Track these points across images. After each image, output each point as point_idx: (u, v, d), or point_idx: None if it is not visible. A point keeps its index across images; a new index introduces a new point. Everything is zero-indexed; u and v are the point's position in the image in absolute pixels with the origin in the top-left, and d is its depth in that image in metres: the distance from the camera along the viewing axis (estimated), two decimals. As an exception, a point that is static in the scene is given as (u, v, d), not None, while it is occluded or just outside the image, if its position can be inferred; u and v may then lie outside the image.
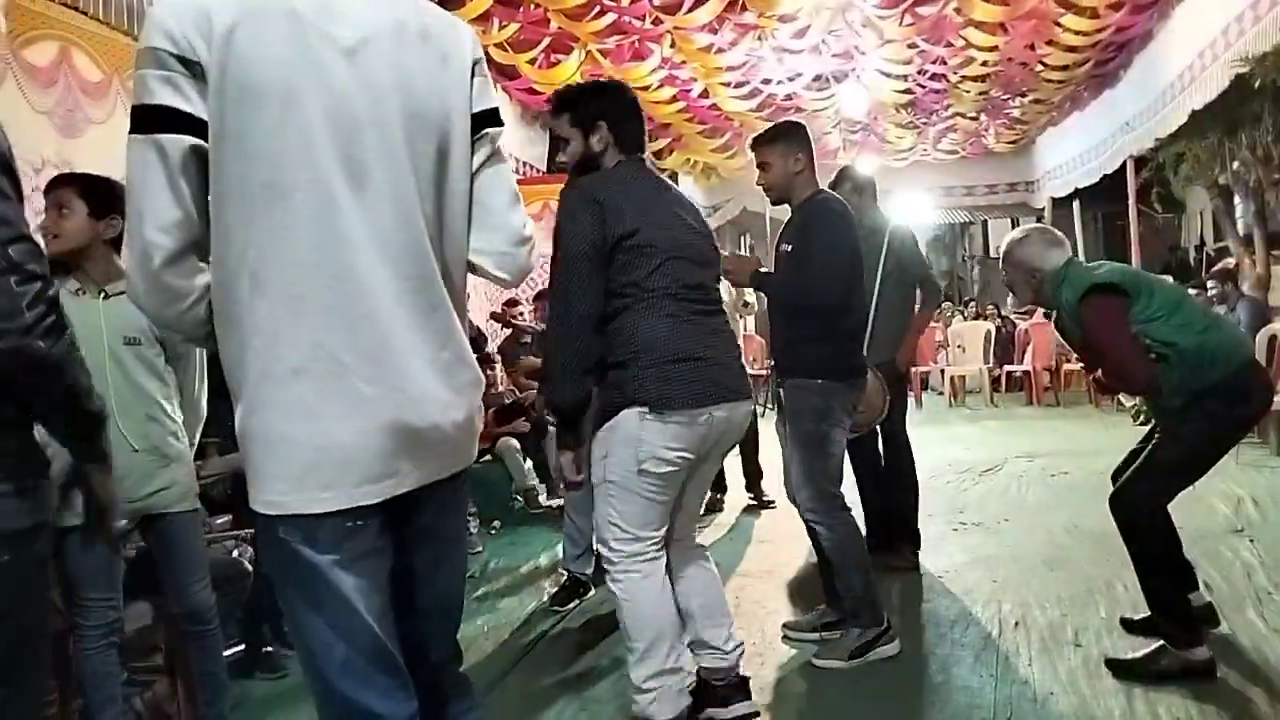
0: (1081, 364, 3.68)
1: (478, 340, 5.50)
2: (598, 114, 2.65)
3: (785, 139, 3.35)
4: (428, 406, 1.46)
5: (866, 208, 4.42)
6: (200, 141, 1.34)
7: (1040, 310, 12.22)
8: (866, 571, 3.30)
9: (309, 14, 1.39)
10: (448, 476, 1.55)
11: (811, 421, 3.25)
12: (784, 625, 3.61)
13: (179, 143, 1.33)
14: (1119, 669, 3.02)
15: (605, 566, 2.68)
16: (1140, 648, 3.07)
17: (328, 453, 1.39)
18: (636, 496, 2.56)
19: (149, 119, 1.34)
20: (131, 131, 1.35)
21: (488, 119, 1.59)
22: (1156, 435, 3.16)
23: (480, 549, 5.30)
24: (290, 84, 1.36)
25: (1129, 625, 3.39)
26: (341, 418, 1.39)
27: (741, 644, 2.82)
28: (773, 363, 3.73)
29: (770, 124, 3.67)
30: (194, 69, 1.33)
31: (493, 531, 5.78)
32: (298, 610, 1.45)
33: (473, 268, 1.62)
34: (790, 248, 3.31)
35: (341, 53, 1.40)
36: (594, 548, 4.29)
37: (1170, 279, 3.71)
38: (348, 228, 1.40)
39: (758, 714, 2.80)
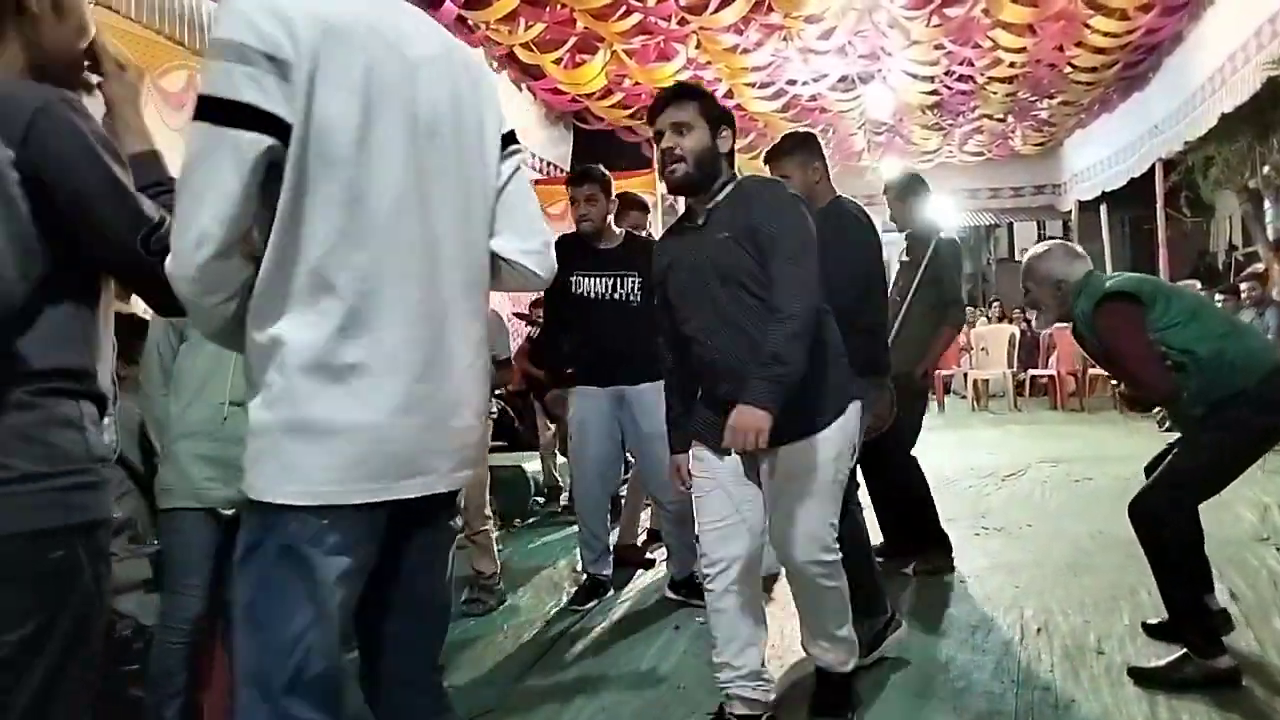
0: (1109, 374, 3.61)
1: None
2: (725, 116, 2.69)
3: (802, 149, 3.36)
4: (463, 411, 1.55)
5: (913, 213, 4.45)
6: (277, 142, 1.35)
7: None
8: (873, 565, 3.36)
9: (386, 30, 1.46)
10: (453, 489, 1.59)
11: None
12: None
13: (258, 143, 1.34)
14: (1142, 677, 2.99)
15: (821, 570, 2.68)
16: (1163, 655, 3.04)
17: (379, 446, 1.44)
18: (842, 491, 2.73)
19: (228, 112, 1.34)
20: (201, 118, 1.35)
21: (512, 138, 1.69)
22: (1179, 443, 3.13)
23: (500, 548, 5.31)
24: (373, 93, 1.42)
25: (1150, 630, 3.37)
26: (393, 413, 1.45)
27: None
28: None
29: (788, 130, 3.68)
30: (281, 67, 1.34)
31: (512, 530, 5.80)
32: (264, 611, 1.44)
33: (512, 266, 1.68)
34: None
35: (412, 68, 1.48)
36: (610, 549, 4.31)
37: (1198, 284, 3.66)
38: (418, 233, 1.48)
39: None
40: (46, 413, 1.42)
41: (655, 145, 2.68)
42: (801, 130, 3.55)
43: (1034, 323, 3.74)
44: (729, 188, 2.65)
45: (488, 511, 4.15)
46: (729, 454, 2.65)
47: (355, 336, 1.43)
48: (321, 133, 1.38)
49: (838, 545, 2.71)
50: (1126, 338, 2.97)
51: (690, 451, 2.81)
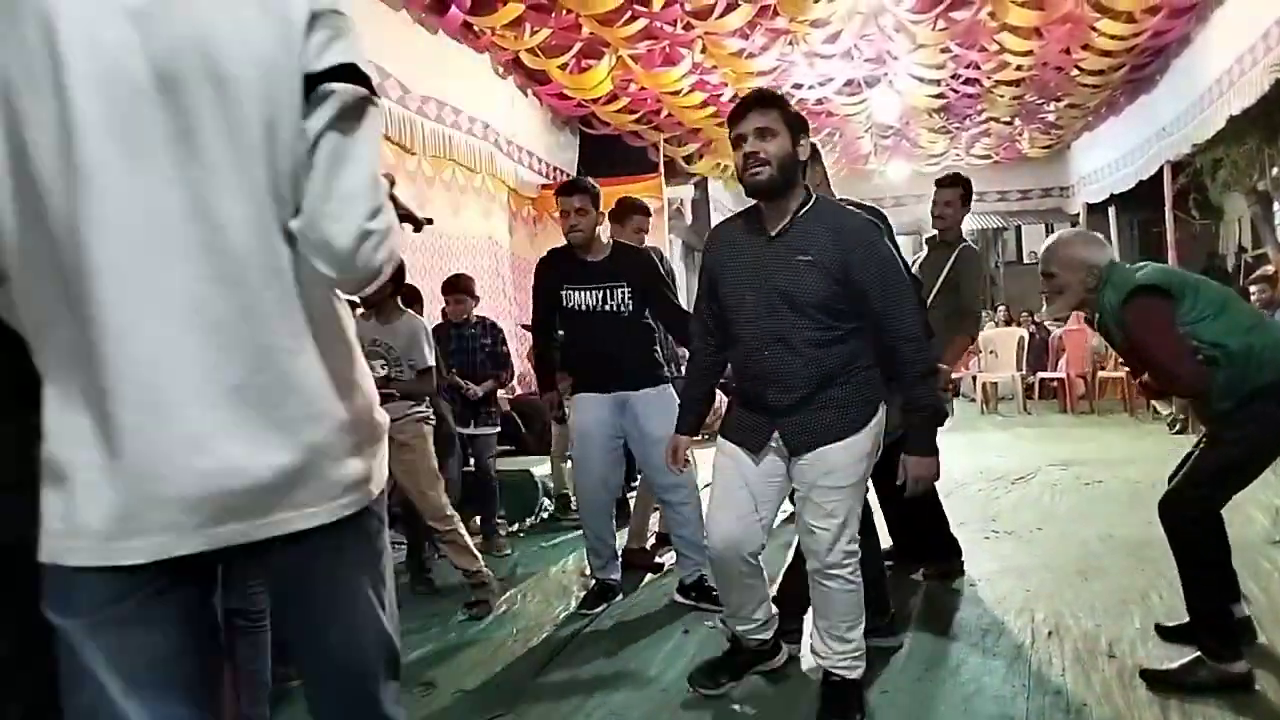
0: (1127, 368, 3.53)
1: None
2: (804, 124, 2.77)
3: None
4: (214, 446, 1.20)
5: (962, 220, 4.48)
6: None
7: (1074, 316, 12.14)
8: (880, 565, 3.40)
9: None
10: (312, 528, 1.29)
11: None
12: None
13: None
14: (1154, 680, 2.98)
15: (841, 562, 2.79)
16: (1175, 657, 3.02)
17: (78, 498, 1.19)
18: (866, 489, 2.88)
19: None
20: None
21: (333, 77, 1.27)
22: (1203, 440, 3.07)
23: (509, 552, 5.33)
24: (51, 53, 1.14)
25: (1163, 632, 3.35)
26: (101, 454, 1.18)
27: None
28: None
29: None
30: None
31: (521, 535, 5.80)
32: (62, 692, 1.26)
33: (305, 258, 1.31)
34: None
35: (125, 13, 1.17)
36: (617, 554, 4.31)
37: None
38: (109, 220, 1.16)
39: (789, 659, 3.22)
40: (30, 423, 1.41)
41: (736, 149, 2.74)
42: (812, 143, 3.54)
43: (1042, 312, 3.58)
44: (809, 205, 2.75)
45: (449, 511, 4.14)
46: (760, 454, 2.84)
47: (47, 358, 1.21)
48: None
49: (858, 543, 2.84)
50: (1158, 333, 2.89)
51: (719, 447, 2.96)
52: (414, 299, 4.85)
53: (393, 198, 1.43)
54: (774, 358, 2.74)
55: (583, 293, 4.07)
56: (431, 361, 4.17)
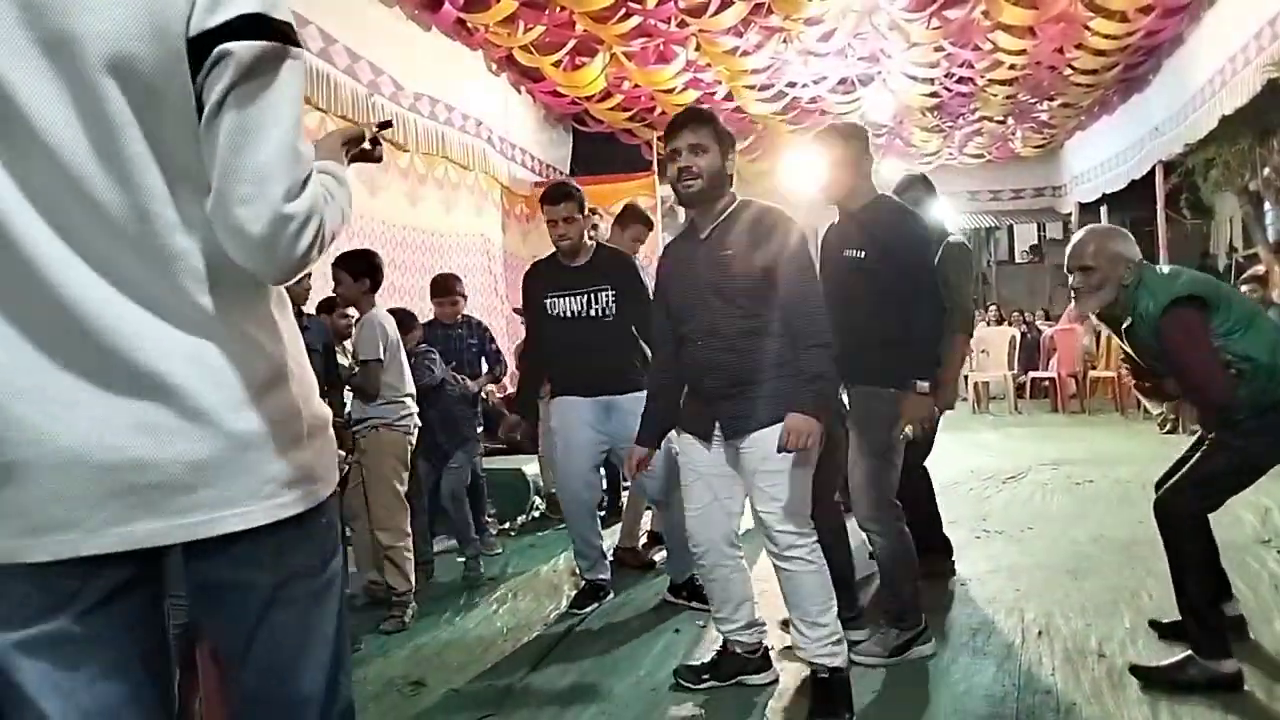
0: (1126, 365, 3.44)
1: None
2: (732, 140, 3.01)
3: (859, 141, 3.34)
4: (120, 436, 1.11)
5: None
6: None
7: (1069, 316, 12.17)
8: (915, 580, 3.37)
9: None
10: (235, 533, 1.17)
11: (883, 430, 3.24)
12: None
13: None
14: (1143, 676, 2.99)
15: (795, 543, 2.88)
16: (1165, 655, 3.03)
17: None
18: (812, 473, 2.93)
19: None
20: None
21: (231, 34, 1.09)
22: (1206, 442, 3.04)
23: (499, 551, 5.32)
24: None
25: (1158, 628, 3.36)
26: None
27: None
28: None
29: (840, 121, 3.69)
30: None
31: (512, 534, 5.79)
32: None
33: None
34: (864, 254, 3.24)
35: None
36: (605, 553, 4.30)
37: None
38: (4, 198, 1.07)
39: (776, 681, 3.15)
40: None
41: (671, 162, 2.96)
42: (859, 124, 3.57)
43: (1072, 307, 3.43)
44: (732, 207, 2.97)
45: (404, 528, 4.11)
46: (709, 443, 3.01)
47: None
48: None
49: (812, 524, 2.94)
50: (1196, 347, 2.87)
51: (676, 443, 3.19)
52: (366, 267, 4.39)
53: (361, 142, 1.35)
54: (706, 348, 2.93)
55: (567, 299, 4.06)
56: (374, 355, 4.04)
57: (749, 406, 2.88)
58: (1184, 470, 3.04)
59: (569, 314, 4.07)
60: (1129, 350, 3.19)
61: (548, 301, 4.09)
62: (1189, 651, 2.93)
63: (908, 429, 3.18)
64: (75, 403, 1.10)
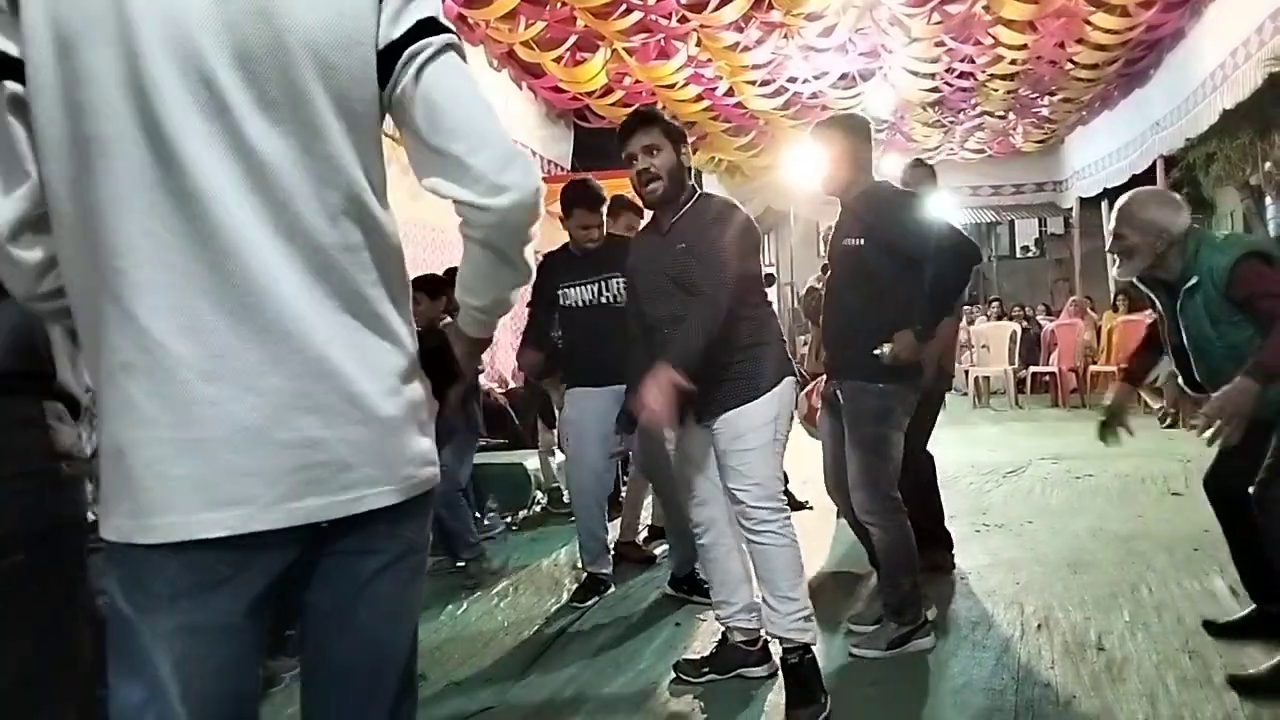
0: (1185, 383, 3.25)
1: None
2: (682, 133, 3.07)
3: (856, 132, 3.35)
4: (300, 418, 1.18)
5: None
6: (18, 86, 1.14)
7: (1069, 310, 12.18)
8: (914, 573, 3.37)
9: None
10: (364, 512, 1.23)
11: (872, 425, 3.26)
12: (849, 619, 3.64)
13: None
14: (1245, 685, 2.85)
15: (767, 518, 2.95)
16: (1162, 649, 3.03)
17: (156, 468, 1.14)
18: (783, 452, 3.03)
19: None
20: None
21: (412, 38, 1.24)
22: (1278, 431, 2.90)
23: (505, 537, 5.35)
24: (116, 11, 1.12)
25: (1212, 628, 3.31)
26: (173, 425, 1.14)
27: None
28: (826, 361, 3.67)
29: (836, 113, 3.71)
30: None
31: (514, 528, 5.81)
32: (111, 679, 1.20)
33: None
34: (862, 241, 3.27)
35: None
36: (609, 547, 4.32)
37: None
38: (193, 184, 1.14)
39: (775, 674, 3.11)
40: (2, 413, 1.41)
41: (629, 167, 3.04)
42: (860, 115, 3.58)
43: (1116, 272, 3.37)
44: (691, 202, 3.05)
45: None
46: (686, 428, 3.10)
47: (121, 327, 1.14)
48: (57, 73, 1.13)
49: (785, 501, 3.02)
50: (1274, 280, 2.79)
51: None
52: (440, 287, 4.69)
53: None
54: (673, 336, 2.97)
55: (579, 289, 4.10)
56: None
57: (719, 390, 2.96)
58: (1269, 460, 2.88)
59: (581, 303, 4.11)
60: (1177, 335, 3.07)
61: (560, 293, 4.13)
62: None
63: (885, 347, 3.15)
64: (258, 383, 1.15)
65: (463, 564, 4.69)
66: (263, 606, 1.22)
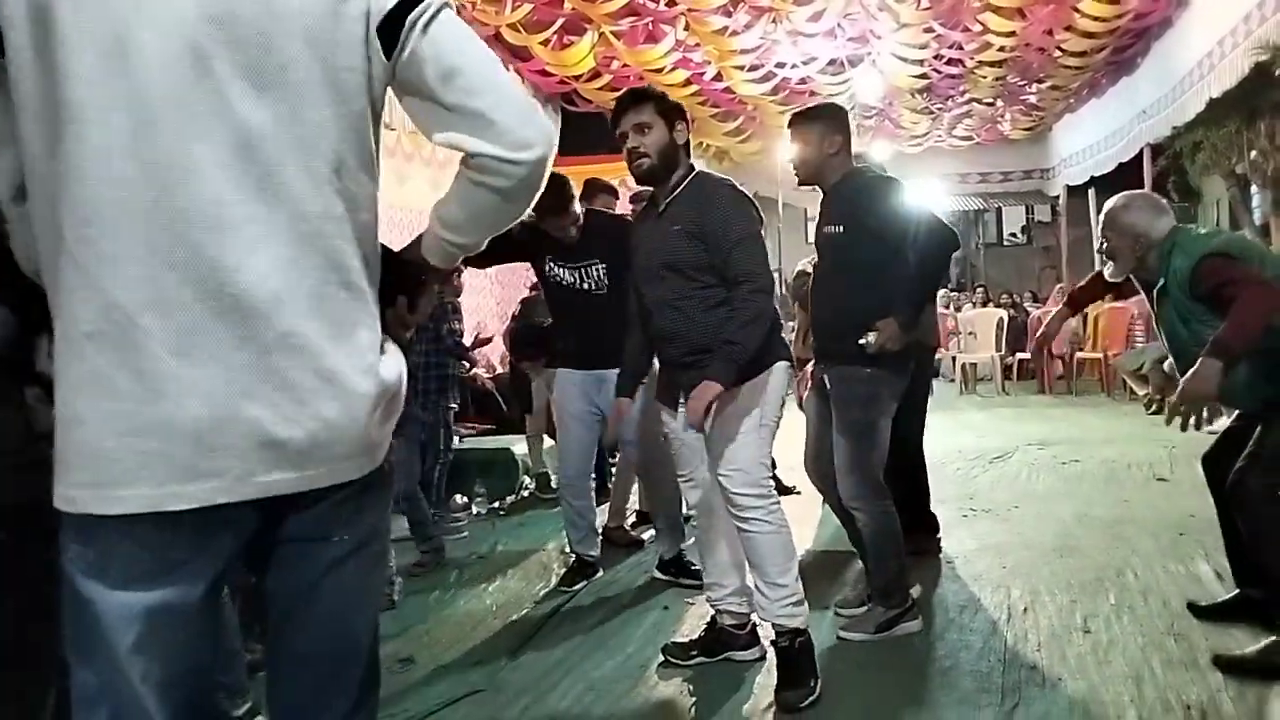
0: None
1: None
2: (678, 110, 3.04)
3: (825, 120, 3.34)
4: (266, 395, 1.17)
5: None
6: None
7: (1056, 297, 12.21)
8: (901, 557, 3.38)
9: None
10: (328, 486, 1.24)
11: (860, 410, 3.26)
12: (836, 604, 3.64)
13: None
14: (1230, 665, 2.88)
15: (751, 505, 2.92)
16: (1152, 631, 3.04)
17: (126, 440, 1.13)
18: (771, 438, 2.98)
19: None
20: None
21: (405, 8, 1.25)
22: (1261, 421, 2.94)
23: (493, 523, 5.34)
24: None
25: (1197, 610, 3.34)
26: (142, 399, 1.13)
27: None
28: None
29: (805, 105, 3.67)
30: None
31: (502, 513, 5.80)
32: (70, 659, 1.19)
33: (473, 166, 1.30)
34: (841, 229, 3.27)
35: None
36: (596, 529, 4.32)
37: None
38: (168, 154, 1.13)
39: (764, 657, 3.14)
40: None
41: (621, 144, 3.02)
42: (834, 103, 3.57)
43: (1107, 272, 3.45)
44: (686, 181, 3.00)
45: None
46: (678, 411, 3.05)
47: (85, 297, 1.13)
48: (38, 35, 1.12)
49: (771, 487, 2.98)
50: (1238, 272, 2.81)
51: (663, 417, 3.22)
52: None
53: None
54: (666, 319, 3.00)
55: (563, 269, 4.09)
56: None
57: (703, 373, 2.89)
58: (1251, 452, 2.92)
59: (564, 283, 4.09)
60: (1161, 331, 3.14)
61: (548, 266, 4.11)
62: (1275, 637, 2.85)
63: (870, 336, 3.15)
64: (227, 358, 1.15)
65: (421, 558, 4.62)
66: (218, 585, 1.22)
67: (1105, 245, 3.19)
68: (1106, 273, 3.26)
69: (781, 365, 3.01)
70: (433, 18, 1.25)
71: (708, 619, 3.27)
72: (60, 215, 1.13)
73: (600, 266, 4.01)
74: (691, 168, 3.05)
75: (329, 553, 1.28)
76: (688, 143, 3.06)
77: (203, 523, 1.16)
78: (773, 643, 2.97)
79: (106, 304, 1.12)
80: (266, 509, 1.21)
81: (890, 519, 3.32)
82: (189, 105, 1.13)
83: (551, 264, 4.09)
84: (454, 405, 5.35)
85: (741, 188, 3.04)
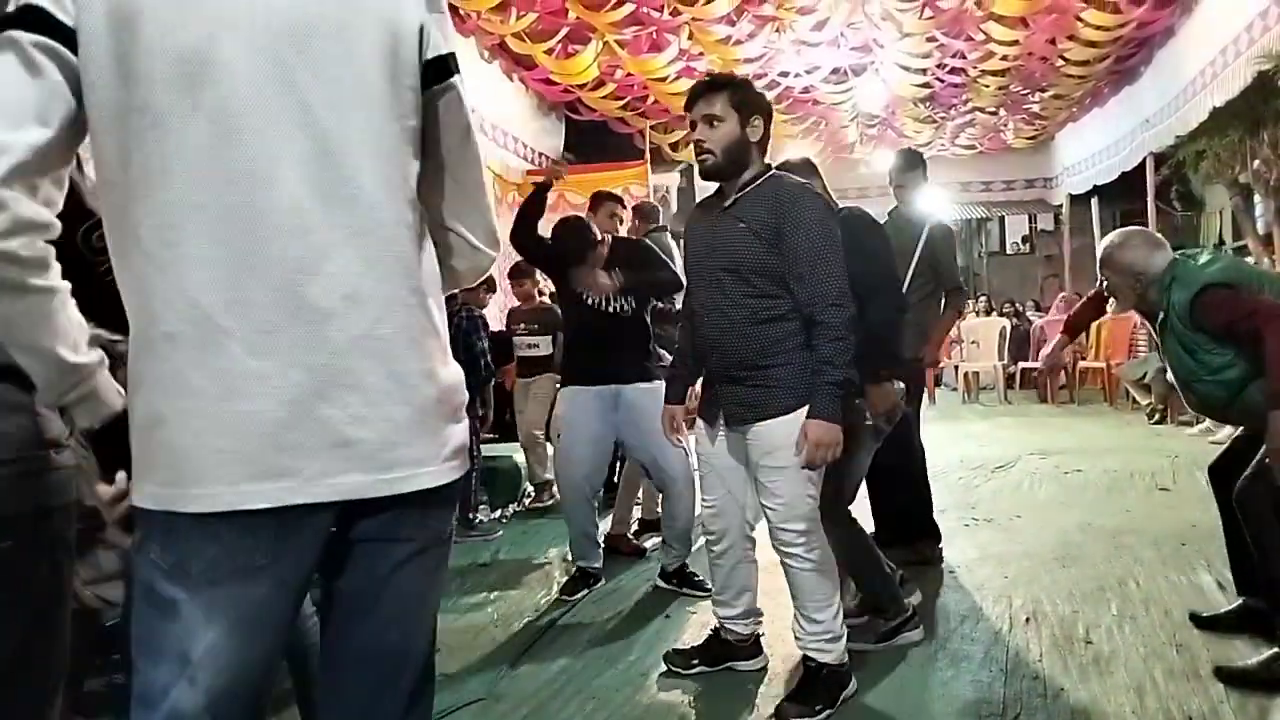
0: (1173, 382, 3.33)
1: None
2: (757, 105, 2.84)
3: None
4: (343, 395, 1.19)
5: (905, 198, 4.43)
6: (65, 50, 1.13)
7: (1058, 306, 12.21)
8: (881, 568, 3.35)
9: None
10: (400, 494, 1.24)
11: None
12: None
13: (40, 41, 1.12)
14: (1232, 678, 2.88)
15: (792, 540, 2.80)
16: (1151, 642, 3.04)
17: (203, 439, 1.14)
18: (821, 470, 2.79)
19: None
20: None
21: (446, 64, 1.34)
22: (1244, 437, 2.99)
23: (500, 533, 5.35)
24: None
25: (1199, 620, 3.34)
26: (219, 397, 1.15)
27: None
28: None
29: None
30: None
31: (504, 520, 5.80)
32: (134, 648, 1.19)
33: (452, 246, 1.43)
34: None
35: None
36: (599, 542, 4.31)
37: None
38: (249, 161, 1.16)
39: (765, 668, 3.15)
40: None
41: (691, 132, 2.85)
42: (806, 157, 3.54)
43: (1110, 308, 3.56)
44: (761, 179, 2.81)
45: None
46: (717, 429, 2.94)
47: (166, 297, 1.15)
48: (116, 40, 1.13)
49: (817, 520, 2.83)
50: (1241, 303, 2.83)
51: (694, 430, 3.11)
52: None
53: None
54: (713, 326, 2.84)
55: (590, 297, 4.07)
56: None
57: (754, 395, 2.78)
58: (1256, 460, 2.92)
59: (590, 302, 4.07)
60: (1166, 362, 3.17)
61: (578, 289, 4.08)
62: (1276, 648, 2.84)
63: (878, 420, 3.17)
64: (303, 359, 1.17)
65: None
66: (299, 595, 1.24)
67: (1105, 284, 3.22)
68: (1109, 309, 3.30)
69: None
70: (460, 95, 1.35)
71: (711, 628, 3.26)
72: (136, 219, 1.15)
73: (629, 295, 4.04)
74: (768, 167, 2.87)
75: (395, 554, 1.29)
76: (764, 139, 2.85)
77: (281, 525, 1.17)
78: (804, 658, 2.91)
79: (188, 304, 1.14)
80: (342, 513, 1.22)
81: (857, 539, 3.30)
82: (272, 114, 1.16)
83: (586, 292, 4.06)
84: (480, 413, 5.52)
85: (817, 190, 2.88)
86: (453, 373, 1.33)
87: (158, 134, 1.13)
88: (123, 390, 1.30)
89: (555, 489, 5.96)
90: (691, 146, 2.82)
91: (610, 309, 4.06)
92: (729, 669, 3.15)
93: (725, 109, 2.78)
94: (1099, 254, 3.23)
